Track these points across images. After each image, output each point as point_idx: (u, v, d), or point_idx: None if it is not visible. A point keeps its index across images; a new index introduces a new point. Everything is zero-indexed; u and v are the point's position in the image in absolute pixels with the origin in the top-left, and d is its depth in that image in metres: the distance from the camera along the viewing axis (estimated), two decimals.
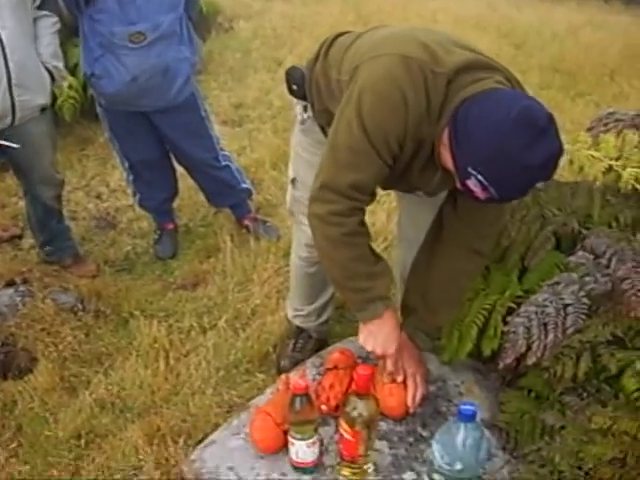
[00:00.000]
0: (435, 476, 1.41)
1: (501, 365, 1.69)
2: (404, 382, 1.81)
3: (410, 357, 1.83)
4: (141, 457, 2.12)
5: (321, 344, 2.58)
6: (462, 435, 1.32)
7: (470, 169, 1.34)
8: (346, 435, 1.54)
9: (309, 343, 2.55)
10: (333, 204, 1.53)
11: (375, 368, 1.83)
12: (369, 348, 1.75)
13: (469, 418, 1.30)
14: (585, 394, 1.60)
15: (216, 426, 2.17)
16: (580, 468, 1.48)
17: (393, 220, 3.31)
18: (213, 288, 3.01)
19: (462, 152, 1.36)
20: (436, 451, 1.38)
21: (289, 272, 2.95)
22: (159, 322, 2.76)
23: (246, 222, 3.38)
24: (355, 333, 2.69)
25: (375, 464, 1.67)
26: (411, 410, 1.82)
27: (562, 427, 1.55)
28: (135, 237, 3.50)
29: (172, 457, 2.09)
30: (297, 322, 2.56)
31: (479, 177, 1.34)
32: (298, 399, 1.52)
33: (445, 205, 1.75)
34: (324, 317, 2.53)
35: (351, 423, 1.51)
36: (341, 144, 1.50)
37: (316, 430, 1.59)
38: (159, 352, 2.57)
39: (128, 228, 3.57)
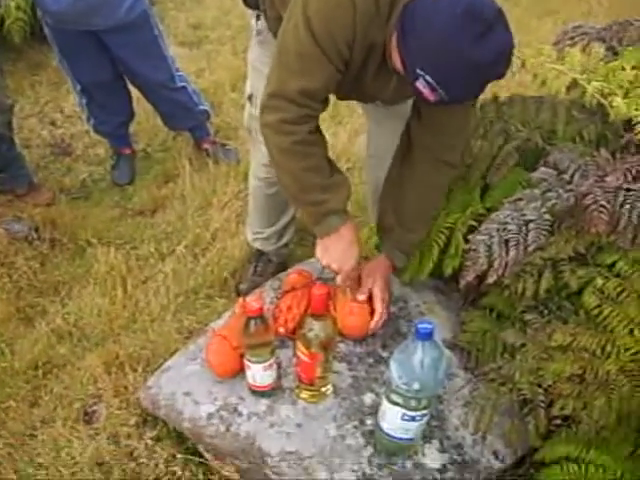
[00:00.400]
0: (393, 396, 1.38)
1: (462, 283, 1.66)
2: (368, 302, 1.78)
3: (381, 279, 1.79)
4: (100, 386, 2.07)
5: (281, 268, 2.54)
6: (420, 354, 1.28)
7: (418, 70, 1.27)
8: (303, 357, 1.51)
9: (269, 267, 2.51)
10: (283, 112, 1.46)
11: (332, 288, 1.80)
12: (324, 263, 1.71)
13: (426, 336, 1.26)
14: (546, 311, 1.58)
15: (176, 352, 2.15)
16: (539, 385, 1.46)
17: (355, 142, 3.24)
18: (172, 213, 2.93)
19: (409, 52, 1.29)
20: (394, 371, 1.34)
21: (249, 196, 2.90)
22: (117, 249, 2.68)
23: (205, 145, 3.28)
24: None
25: (334, 386, 1.65)
26: (370, 332, 1.79)
27: (522, 345, 1.53)
28: (91, 164, 3.37)
29: (131, 385, 2.04)
30: (257, 245, 2.51)
31: (427, 77, 1.27)
32: (252, 321, 1.47)
33: (411, 118, 1.68)
34: (284, 240, 2.49)
35: (308, 345, 1.48)
36: (289, 49, 1.41)
37: (272, 353, 1.55)
38: (117, 280, 2.50)
39: (84, 155, 3.44)
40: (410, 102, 1.69)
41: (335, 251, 1.67)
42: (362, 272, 1.82)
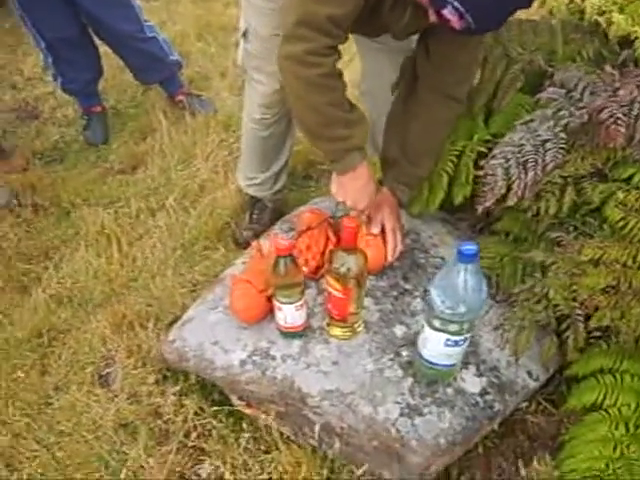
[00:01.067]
0: (435, 322, 1.36)
1: (480, 209, 1.65)
2: (382, 235, 1.76)
3: (390, 212, 1.77)
4: (110, 347, 2.02)
5: (277, 214, 2.50)
6: (464, 277, 1.26)
7: None
8: (336, 293, 1.48)
9: (265, 213, 2.46)
10: (310, 42, 1.40)
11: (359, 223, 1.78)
12: (340, 199, 1.68)
13: (472, 258, 1.25)
14: (571, 228, 1.58)
15: (184, 306, 2.11)
16: (575, 300, 1.47)
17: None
18: (154, 169, 2.84)
19: None
20: (436, 297, 1.32)
21: (233, 144, 2.85)
22: (104, 209, 2.60)
23: (179, 97, 3.17)
24: (310, 200, 2.66)
25: (364, 321, 1.63)
26: (388, 262, 1.77)
27: (552, 263, 1.53)
28: (61, 125, 3.25)
29: (144, 342, 1.99)
30: (251, 192, 2.45)
31: (455, 4, 1.23)
32: (282, 261, 1.43)
33: (418, 55, 1.66)
34: (279, 185, 2.44)
35: (341, 280, 1.45)
36: None
37: (303, 292, 1.52)
38: (109, 239, 2.43)
39: (52, 117, 3.31)
40: (410, 39, 1.65)
41: (352, 188, 1.64)
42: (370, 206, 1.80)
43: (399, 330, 1.63)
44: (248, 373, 1.55)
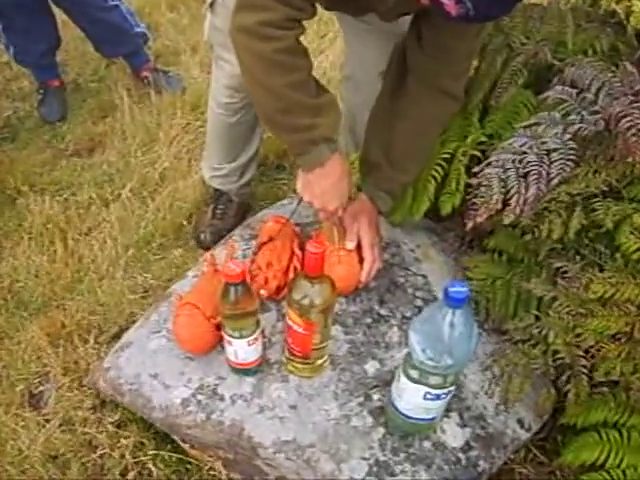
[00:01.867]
0: (413, 373, 1.13)
1: (468, 225, 1.41)
2: (357, 251, 1.52)
3: (369, 224, 1.53)
4: (45, 362, 1.77)
5: (244, 209, 2.26)
6: (451, 324, 1.03)
7: None
8: (296, 328, 1.24)
9: (230, 208, 2.21)
10: (265, 11, 1.16)
11: (315, 233, 1.55)
12: (306, 199, 1.45)
13: (461, 302, 1.01)
14: (578, 257, 1.34)
15: (131, 316, 1.88)
16: (578, 346, 1.24)
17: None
18: (112, 152, 2.57)
19: None
20: (416, 344, 1.09)
21: (200, 128, 2.59)
22: (52, 197, 2.33)
23: (144, 73, 2.87)
24: (282, 195, 2.40)
25: (330, 355, 1.39)
26: (361, 285, 1.54)
27: (554, 299, 1.29)
28: (15, 99, 2.95)
29: (82, 359, 1.75)
30: (215, 184, 2.20)
31: None
32: (233, 289, 1.19)
33: (409, 41, 1.40)
34: (247, 177, 2.19)
35: (302, 313, 1.21)
36: None
37: (258, 324, 1.28)
38: (55, 233, 2.16)
39: (6, 89, 3.00)
40: (402, 21, 1.39)
41: (319, 186, 1.40)
42: (344, 216, 1.56)
43: (371, 367, 1.40)
44: (190, 416, 1.32)
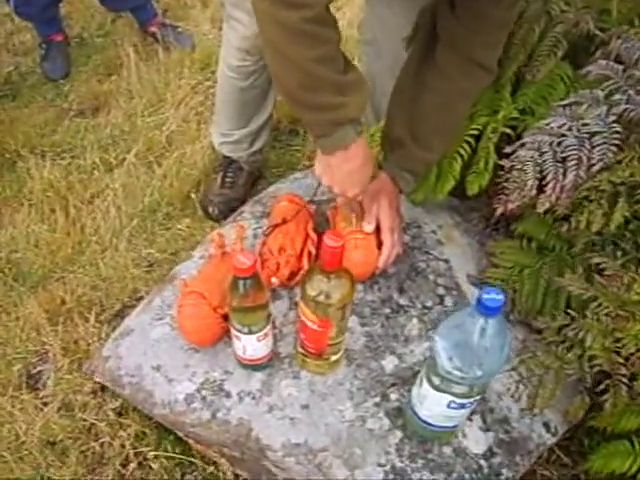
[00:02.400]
0: (436, 380, 1.04)
1: (499, 211, 1.30)
2: (375, 234, 1.41)
3: (389, 205, 1.41)
4: (44, 339, 1.69)
5: (255, 178, 2.15)
6: (484, 334, 0.93)
7: None
8: (310, 324, 1.14)
9: (240, 177, 2.10)
10: None
11: (331, 213, 1.48)
12: (325, 183, 1.32)
13: (494, 311, 0.91)
14: (619, 252, 1.23)
15: (135, 293, 1.79)
16: (618, 352, 1.13)
17: None
18: (118, 113, 2.45)
19: None
20: (442, 350, 0.99)
21: (210, 89, 2.47)
22: (54, 161, 2.23)
23: (152, 29, 2.73)
24: (296, 162, 2.29)
25: (345, 349, 1.29)
26: (378, 271, 1.43)
27: (592, 299, 1.18)
28: (17, 54, 2.83)
29: (82, 338, 1.66)
30: (225, 151, 2.09)
31: None
32: (242, 283, 1.08)
33: (440, 5, 1.26)
34: (259, 144, 2.07)
35: (317, 310, 1.11)
36: None
37: (269, 318, 1.18)
38: (56, 200, 2.06)
39: (7, 43, 2.88)
40: None
41: (341, 171, 1.27)
42: (363, 196, 1.45)
43: (389, 363, 1.30)
44: (195, 413, 1.23)
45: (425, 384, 1.08)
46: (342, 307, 1.11)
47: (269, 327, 1.19)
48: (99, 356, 1.37)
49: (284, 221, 1.42)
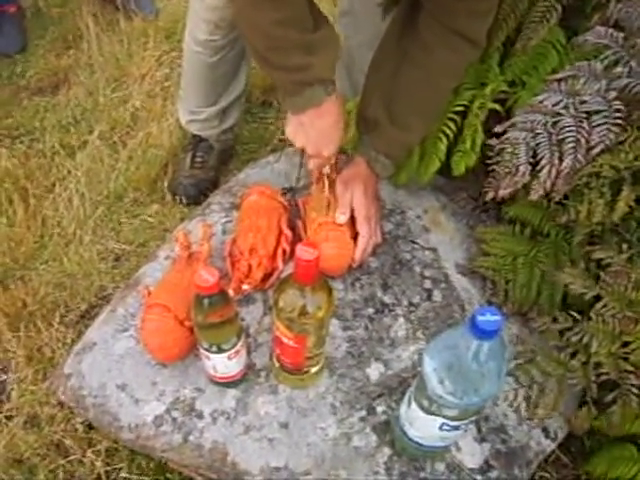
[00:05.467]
0: (425, 402, 0.93)
1: (489, 196, 1.20)
2: (351, 224, 1.31)
3: (363, 192, 1.31)
4: (6, 347, 1.58)
5: (226, 156, 2.03)
6: (477, 357, 0.82)
7: None
8: (285, 340, 1.03)
9: (210, 156, 1.99)
10: None
11: (300, 202, 1.40)
12: (299, 144, 1.24)
13: (490, 335, 0.80)
14: (625, 245, 1.11)
15: (101, 290, 1.68)
16: (626, 359, 1.03)
17: None
18: (79, 90, 2.30)
19: None
20: (431, 372, 0.89)
21: (176, 60, 2.32)
22: (11, 146, 2.08)
23: None
24: (269, 137, 2.15)
25: (326, 358, 1.19)
26: (355, 264, 1.32)
27: (596, 298, 1.08)
28: None
29: (47, 345, 1.55)
30: (193, 129, 1.97)
31: None
32: (207, 300, 0.97)
33: None
34: (229, 122, 1.95)
35: (292, 326, 1.00)
36: None
37: (239, 334, 1.07)
38: (14, 190, 1.92)
39: None
40: None
41: (314, 128, 1.19)
42: (337, 181, 1.33)
43: (374, 371, 1.20)
44: (165, 437, 1.12)
45: (414, 405, 0.97)
46: (319, 321, 1.00)
47: (240, 343, 1.07)
48: (61, 373, 1.25)
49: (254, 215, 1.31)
